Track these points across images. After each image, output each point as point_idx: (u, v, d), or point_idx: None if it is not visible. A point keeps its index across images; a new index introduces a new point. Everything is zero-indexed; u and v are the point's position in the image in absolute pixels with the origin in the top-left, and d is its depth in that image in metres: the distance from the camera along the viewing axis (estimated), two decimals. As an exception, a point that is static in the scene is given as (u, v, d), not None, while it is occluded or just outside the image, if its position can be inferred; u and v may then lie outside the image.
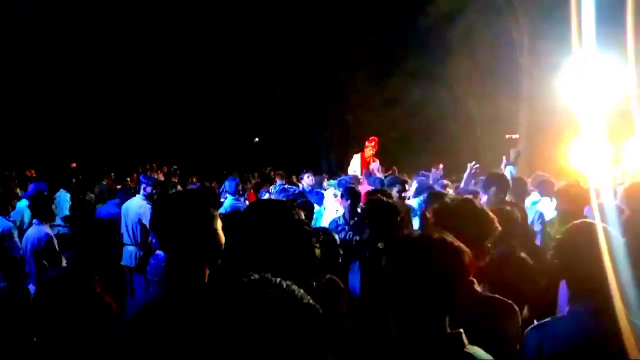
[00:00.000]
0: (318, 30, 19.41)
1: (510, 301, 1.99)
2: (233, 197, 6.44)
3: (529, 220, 4.44)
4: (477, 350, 1.47)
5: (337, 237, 3.24)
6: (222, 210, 5.33)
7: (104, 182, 9.65)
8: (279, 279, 1.05)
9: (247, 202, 6.91)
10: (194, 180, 12.16)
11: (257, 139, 24.66)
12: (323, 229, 3.67)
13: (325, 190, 7.37)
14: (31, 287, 4.59)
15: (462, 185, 7.09)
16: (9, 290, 4.55)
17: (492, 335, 1.74)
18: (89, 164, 14.08)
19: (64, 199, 6.95)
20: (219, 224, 1.78)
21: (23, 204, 5.96)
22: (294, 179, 11.49)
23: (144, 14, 18.68)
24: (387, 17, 18.88)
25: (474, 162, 7.27)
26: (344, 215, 4.81)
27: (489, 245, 2.07)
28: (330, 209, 5.80)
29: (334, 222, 4.82)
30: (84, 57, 18.12)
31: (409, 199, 5.79)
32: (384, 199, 3.86)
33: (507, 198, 4.39)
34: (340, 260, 3.07)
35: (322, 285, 2.29)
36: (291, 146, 21.89)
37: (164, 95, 20.02)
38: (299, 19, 19.12)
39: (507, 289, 2.09)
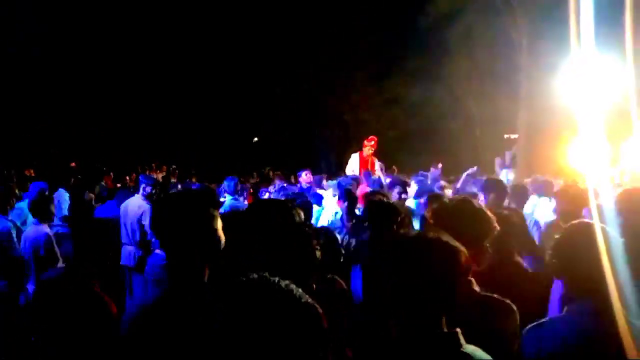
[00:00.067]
0: (318, 30, 19.41)
1: (508, 301, 1.99)
2: (232, 197, 6.44)
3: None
4: (474, 350, 1.47)
5: (338, 236, 3.23)
6: (221, 210, 5.33)
7: (103, 183, 9.65)
8: (277, 279, 1.06)
9: (246, 202, 6.91)
10: (194, 180, 12.17)
11: (256, 139, 24.64)
12: (324, 228, 3.66)
13: (324, 189, 7.37)
14: (30, 287, 4.59)
15: (459, 186, 7.12)
16: (8, 290, 4.55)
17: (490, 334, 1.75)
18: (88, 163, 14.06)
19: (63, 199, 6.95)
20: (219, 224, 1.78)
21: (25, 204, 5.94)
22: (293, 179, 11.49)
23: (144, 14, 18.67)
24: (387, 17, 18.88)
25: (471, 169, 7.30)
26: (341, 217, 4.80)
27: (488, 245, 2.08)
28: (329, 209, 5.80)
29: (332, 224, 4.81)
30: (84, 57, 18.10)
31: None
32: (384, 199, 3.86)
33: (507, 204, 4.39)
34: (342, 260, 3.06)
35: (323, 285, 2.29)
36: (291, 146, 21.88)
37: (163, 95, 20.00)
38: (299, 19, 19.12)
39: (501, 289, 2.09)
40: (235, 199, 6.49)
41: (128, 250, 5.90)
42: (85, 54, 18.10)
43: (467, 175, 7.22)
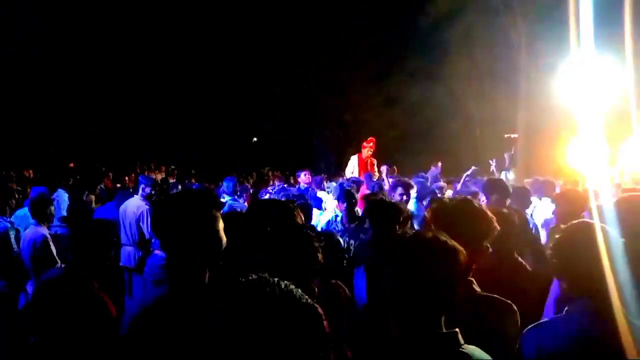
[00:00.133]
0: (318, 30, 19.41)
1: (509, 301, 1.99)
2: (231, 198, 6.44)
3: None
4: (473, 350, 1.47)
5: (341, 240, 3.20)
6: (220, 210, 5.31)
7: (102, 186, 9.65)
8: (276, 279, 1.06)
9: (245, 203, 6.91)
10: (193, 180, 12.16)
11: (255, 139, 24.64)
12: (327, 232, 3.62)
13: (324, 190, 7.37)
14: (29, 288, 4.59)
15: (459, 187, 7.12)
16: (8, 290, 4.55)
17: (491, 334, 1.75)
18: (87, 164, 14.06)
19: (62, 199, 6.96)
20: (221, 225, 1.78)
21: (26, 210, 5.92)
22: (292, 180, 11.49)
23: (144, 14, 18.66)
24: (387, 17, 18.88)
25: (474, 167, 7.30)
26: (341, 219, 4.78)
27: (488, 245, 2.07)
28: (329, 211, 5.79)
29: (332, 227, 4.79)
30: (84, 57, 18.09)
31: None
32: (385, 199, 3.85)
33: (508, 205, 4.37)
34: (345, 264, 3.01)
35: (326, 290, 2.29)
36: (290, 146, 21.88)
37: (163, 95, 19.99)
38: (299, 19, 19.12)
39: (501, 289, 2.09)
40: (234, 200, 6.49)
41: (127, 251, 5.91)
42: (85, 54, 18.09)
43: (467, 176, 7.23)
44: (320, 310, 1.06)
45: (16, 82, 16.66)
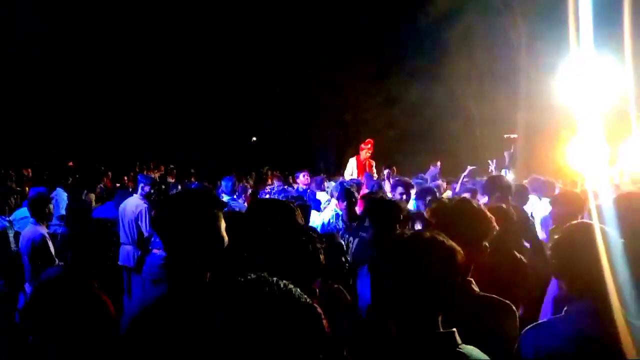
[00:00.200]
0: (318, 30, 19.41)
1: (508, 301, 1.99)
2: (229, 197, 6.44)
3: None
4: (471, 350, 1.47)
5: (342, 241, 3.18)
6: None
7: (101, 185, 9.65)
8: (275, 279, 1.06)
9: (245, 204, 6.91)
10: (193, 180, 12.15)
11: (254, 139, 24.64)
12: (328, 233, 3.60)
13: (324, 191, 7.37)
14: (27, 287, 4.59)
15: (457, 188, 7.12)
16: (6, 289, 4.55)
17: (490, 335, 1.75)
18: (86, 163, 14.06)
19: (61, 198, 6.96)
20: (222, 225, 1.79)
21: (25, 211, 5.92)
22: (291, 180, 11.49)
23: (144, 14, 18.66)
24: (387, 17, 18.89)
25: (472, 166, 7.30)
26: (342, 218, 4.77)
27: (487, 245, 2.07)
28: (328, 211, 5.79)
29: (333, 224, 4.78)
30: (84, 57, 18.09)
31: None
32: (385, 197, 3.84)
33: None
34: (347, 265, 2.98)
35: (327, 291, 2.28)
36: (290, 146, 21.88)
37: (163, 95, 20.00)
38: (299, 19, 19.12)
39: (500, 288, 2.09)
40: (233, 199, 6.49)
41: (126, 250, 5.91)
42: (85, 54, 18.09)
43: (464, 177, 7.24)
44: (319, 310, 1.06)
45: (16, 82, 16.66)
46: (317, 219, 5.54)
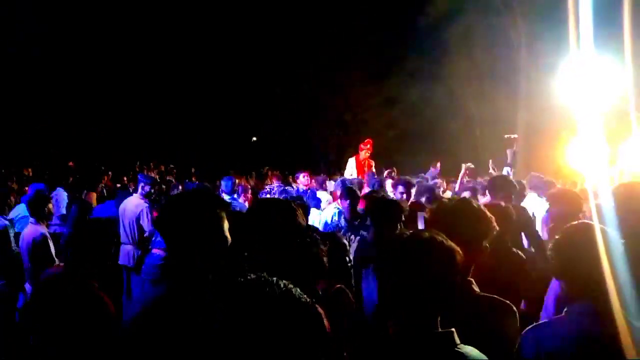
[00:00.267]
0: (318, 30, 19.41)
1: (508, 302, 1.99)
2: (229, 197, 6.45)
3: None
4: (469, 350, 1.47)
5: (345, 241, 3.17)
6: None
7: (103, 184, 9.64)
8: (275, 279, 1.06)
9: (245, 203, 6.91)
10: (194, 179, 12.14)
11: (254, 138, 24.64)
12: (330, 232, 3.59)
13: (326, 190, 7.38)
14: (27, 287, 4.58)
15: (457, 188, 7.12)
16: (6, 289, 4.55)
17: (490, 335, 1.75)
18: (87, 163, 14.06)
19: (61, 198, 6.95)
20: (226, 225, 1.79)
21: (23, 207, 5.93)
22: (290, 179, 11.48)
23: (144, 14, 18.66)
24: (387, 17, 18.90)
25: (469, 164, 7.31)
26: (344, 216, 4.77)
27: (487, 245, 2.07)
28: (332, 206, 5.79)
29: (335, 224, 4.78)
30: (84, 57, 18.09)
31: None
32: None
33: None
34: (350, 265, 2.96)
35: (330, 293, 2.28)
36: (290, 146, 21.89)
37: (163, 95, 20.00)
38: (299, 19, 19.12)
39: (500, 288, 2.09)
40: (233, 199, 6.49)
41: (126, 249, 5.91)
42: (85, 54, 18.09)
43: (462, 177, 7.25)
44: (320, 310, 1.06)
45: (16, 82, 16.66)
46: (317, 217, 5.54)
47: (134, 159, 15.12)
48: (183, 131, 20.92)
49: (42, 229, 4.72)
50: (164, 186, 8.80)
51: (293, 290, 1.05)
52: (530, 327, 1.96)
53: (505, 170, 6.05)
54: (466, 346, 1.48)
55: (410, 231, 1.63)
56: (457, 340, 1.48)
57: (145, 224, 5.92)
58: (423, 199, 5.65)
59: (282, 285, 1.05)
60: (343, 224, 4.68)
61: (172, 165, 15.01)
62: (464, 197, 2.50)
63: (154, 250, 5.30)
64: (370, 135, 10.04)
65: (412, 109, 18.35)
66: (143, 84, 19.49)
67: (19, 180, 9.58)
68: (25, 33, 16.04)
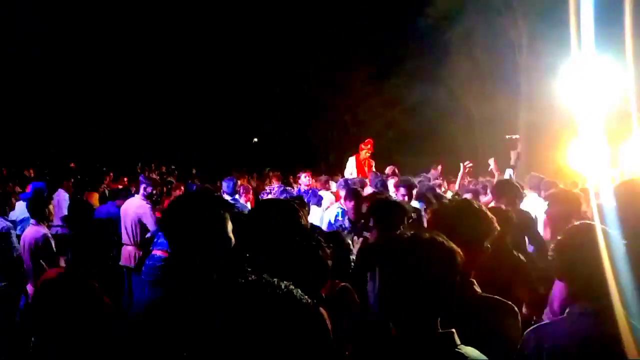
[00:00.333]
0: (318, 30, 19.42)
1: (510, 302, 1.99)
2: (231, 198, 6.46)
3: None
4: (469, 351, 1.47)
5: (349, 241, 3.15)
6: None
7: (105, 185, 9.64)
8: (276, 280, 1.06)
9: (248, 205, 6.92)
10: (196, 181, 12.14)
11: (255, 139, 24.65)
12: (333, 232, 3.58)
13: (329, 191, 7.38)
14: (29, 287, 4.58)
15: (457, 187, 7.12)
16: (8, 290, 4.55)
17: (492, 335, 1.75)
18: (88, 164, 14.06)
19: (63, 199, 6.95)
20: (229, 226, 1.79)
21: (23, 205, 5.93)
22: (291, 180, 11.47)
23: (144, 14, 18.68)
24: (387, 17, 18.91)
25: (467, 162, 7.31)
26: (348, 218, 4.77)
27: (488, 245, 2.07)
28: (335, 206, 5.79)
29: (338, 224, 4.77)
30: (84, 57, 18.10)
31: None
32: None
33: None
34: (352, 266, 2.94)
35: (335, 293, 2.27)
36: (290, 146, 21.90)
37: (163, 95, 20.01)
38: (299, 19, 19.13)
39: (501, 289, 2.09)
40: (235, 200, 6.50)
41: (128, 250, 5.91)
42: (85, 54, 18.10)
43: (462, 176, 7.24)
44: (322, 311, 1.06)
45: (16, 82, 16.67)
46: (318, 215, 5.54)
47: (135, 160, 15.13)
48: (183, 131, 20.93)
49: (44, 229, 4.72)
50: (165, 188, 8.79)
51: (294, 291, 1.05)
52: (531, 327, 1.96)
53: (508, 173, 6.04)
54: (466, 347, 1.48)
55: (411, 232, 1.62)
56: (458, 341, 1.47)
57: (149, 224, 5.93)
58: (424, 202, 5.64)
59: (283, 287, 1.04)
60: (347, 225, 4.68)
61: (173, 167, 15.01)
62: (466, 198, 2.50)
63: (155, 251, 5.30)
64: (370, 136, 10.04)
65: (413, 109, 18.38)
66: (143, 84, 19.50)
67: (20, 181, 9.58)
68: (25, 33, 16.05)
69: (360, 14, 19.31)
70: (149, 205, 6.04)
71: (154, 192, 6.34)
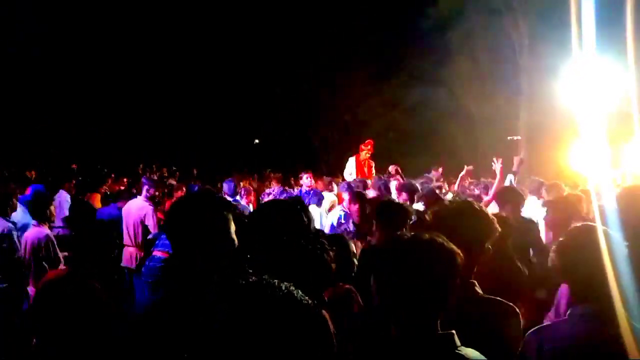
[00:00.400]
0: (318, 30, 19.42)
1: (511, 303, 1.99)
2: (232, 199, 6.46)
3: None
4: (469, 352, 1.47)
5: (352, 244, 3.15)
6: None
7: (106, 186, 9.63)
8: (277, 281, 1.06)
9: (250, 206, 6.93)
10: (198, 182, 12.13)
11: (257, 141, 24.65)
12: (336, 234, 3.58)
13: (332, 192, 7.39)
14: (30, 288, 4.58)
15: (456, 187, 7.13)
16: (9, 291, 4.54)
17: (493, 337, 1.75)
18: (89, 165, 14.07)
19: (64, 200, 6.96)
20: (232, 227, 1.79)
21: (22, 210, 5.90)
22: (292, 181, 11.47)
23: (144, 14, 18.68)
24: (387, 17, 18.90)
25: (470, 167, 7.31)
26: (352, 221, 4.77)
27: (489, 247, 2.07)
28: (338, 209, 5.79)
29: (343, 229, 4.77)
30: (84, 57, 18.11)
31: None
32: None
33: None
34: (355, 269, 2.94)
35: (338, 295, 2.27)
36: (290, 147, 21.89)
37: (163, 96, 20.01)
38: (299, 19, 19.13)
39: (502, 289, 2.09)
40: (236, 201, 6.51)
41: (129, 251, 5.93)
42: (85, 54, 18.10)
43: (462, 178, 7.25)
44: (324, 312, 1.06)
45: (16, 82, 16.67)
46: (315, 214, 5.54)
47: (135, 160, 15.13)
48: (184, 132, 20.93)
49: (46, 230, 4.71)
50: (166, 190, 8.80)
51: (295, 292, 1.05)
52: (533, 329, 1.96)
53: (509, 179, 6.05)
54: (466, 348, 1.48)
55: (412, 233, 1.63)
56: (458, 342, 1.47)
57: (151, 225, 5.94)
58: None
59: (283, 288, 1.04)
60: (351, 228, 4.68)
61: (174, 168, 15.01)
62: (466, 199, 2.50)
63: (155, 253, 5.30)
64: (370, 136, 10.04)
65: (413, 109, 18.36)
66: (144, 85, 19.50)
67: (21, 183, 9.57)
68: (25, 33, 16.06)
69: (360, 14, 19.31)
70: (151, 207, 6.07)
71: (156, 193, 6.37)
